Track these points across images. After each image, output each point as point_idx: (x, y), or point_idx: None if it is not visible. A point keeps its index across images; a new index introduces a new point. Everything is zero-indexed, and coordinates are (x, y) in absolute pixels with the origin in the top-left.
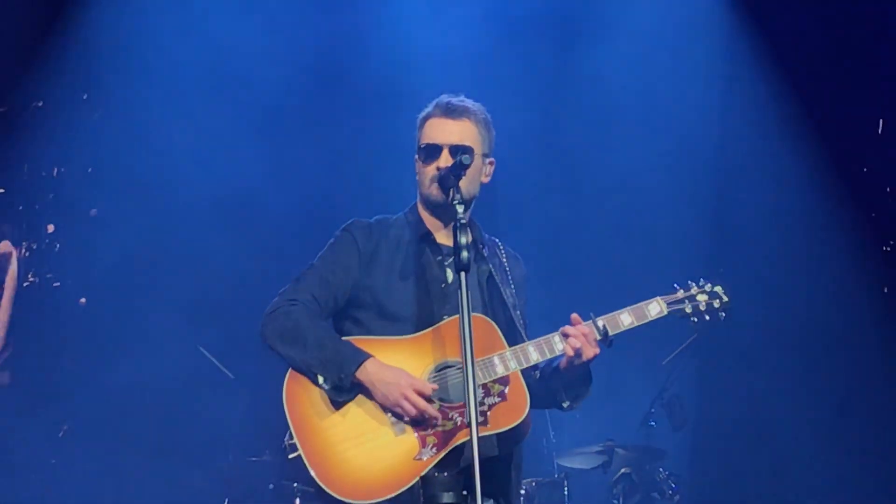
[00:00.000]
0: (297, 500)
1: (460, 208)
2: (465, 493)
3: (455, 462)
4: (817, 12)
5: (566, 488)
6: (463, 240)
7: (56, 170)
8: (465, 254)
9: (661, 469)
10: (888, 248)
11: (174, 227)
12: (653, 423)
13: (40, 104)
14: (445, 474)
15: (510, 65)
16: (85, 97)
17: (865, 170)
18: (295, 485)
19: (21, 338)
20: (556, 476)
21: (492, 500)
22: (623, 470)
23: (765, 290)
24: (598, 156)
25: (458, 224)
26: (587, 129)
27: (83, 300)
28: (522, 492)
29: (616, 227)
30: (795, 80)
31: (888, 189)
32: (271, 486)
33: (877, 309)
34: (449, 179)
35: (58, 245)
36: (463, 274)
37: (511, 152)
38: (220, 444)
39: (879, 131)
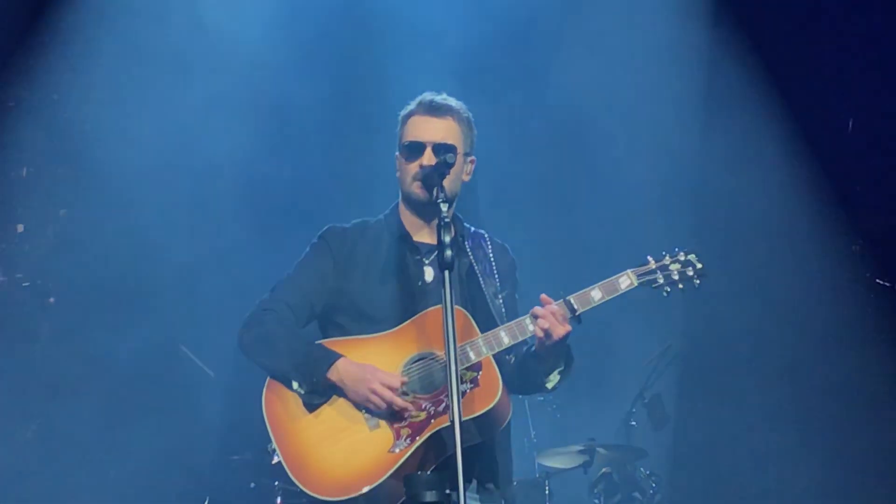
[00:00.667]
0: (279, 499)
1: (444, 206)
2: (448, 491)
3: (432, 453)
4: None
5: (547, 488)
6: (447, 238)
7: (25, 170)
8: (448, 252)
9: (641, 468)
10: (856, 248)
11: (146, 227)
12: (633, 423)
13: (11, 104)
14: (428, 473)
15: (494, 57)
16: (56, 97)
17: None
18: (276, 483)
19: None
20: (536, 475)
21: (477, 494)
22: (604, 469)
23: (745, 287)
24: (582, 143)
25: (442, 222)
26: (569, 121)
27: (52, 300)
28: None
29: (600, 215)
30: (776, 76)
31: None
32: (253, 484)
33: (857, 305)
34: (433, 178)
35: (27, 245)
36: (447, 273)
37: (494, 143)
38: (201, 443)
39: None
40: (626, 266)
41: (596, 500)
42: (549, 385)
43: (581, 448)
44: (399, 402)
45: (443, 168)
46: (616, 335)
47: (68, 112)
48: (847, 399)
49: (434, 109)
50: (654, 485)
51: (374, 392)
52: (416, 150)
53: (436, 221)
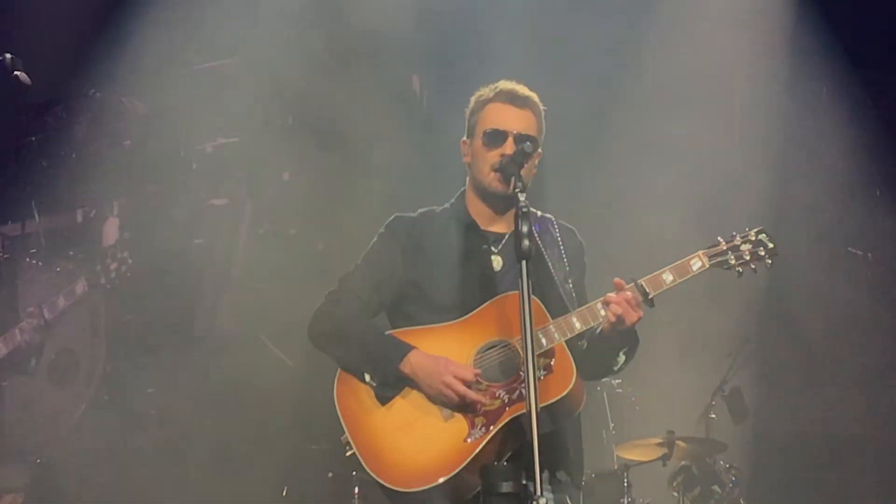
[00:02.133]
0: (356, 489)
1: (522, 196)
2: (524, 482)
3: (507, 442)
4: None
5: (626, 480)
6: (525, 228)
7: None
8: (526, 242)
9: (721, 461)
10: None
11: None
12: (713, 416)
13: None
14: (505, 463)
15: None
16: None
17: None
18: (354, 473)
19: None
20: (615, 468)
21: (549, 486)
22: (683, 462)
23: (826, 279)
24: (651, 126)
25: (521, 212)
26: (641, 104)
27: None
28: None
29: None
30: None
31: None
32: (330, 474)
33: None
34: (511, 167)
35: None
36: (524, 263)
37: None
38: (279, 433)
39: None
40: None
41: (675, 493)
42: (616, 367)
43: (660, 441)
44: (472, 395)
45: (521, 157)
46: (695, 329)
47: None
48: None
49: (515, 99)
50: (734, 478)
51: (448, 385)
52: (497, 138)
53: (506, 212)
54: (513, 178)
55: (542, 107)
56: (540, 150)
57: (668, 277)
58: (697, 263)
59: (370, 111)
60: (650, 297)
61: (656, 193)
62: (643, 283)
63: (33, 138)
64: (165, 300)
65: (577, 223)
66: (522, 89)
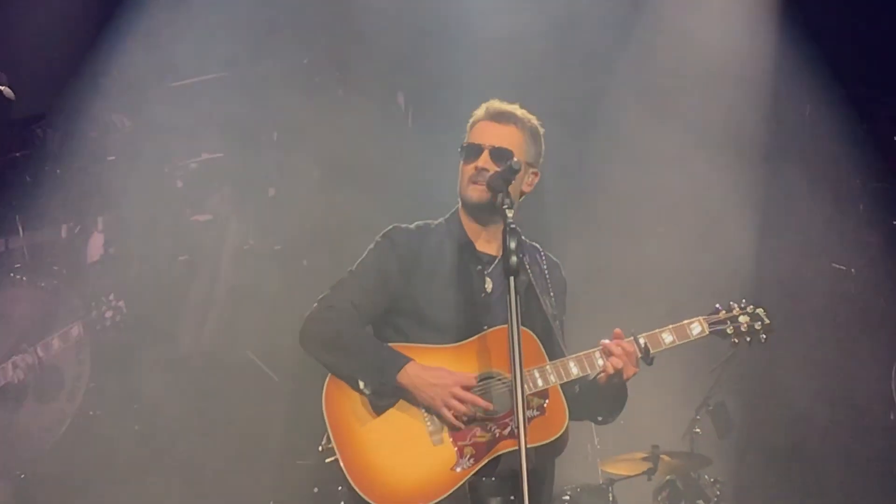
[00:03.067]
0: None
1: (510, 213)
2: (512, 497)
3: (491, 473)
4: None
5: (611, 495)
6: (512, 244)
7: None
8: (514, 258)
9: (705, 476)
10: None
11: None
12: (698, 430)
13: None
14: (493, 479)
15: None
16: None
17: None
18: (340, 488)
19: None
20: (600, 482)
21: None
22: (668, 477)
23: (810, 294)
24: (638, 155)
25: (508, 228)
26: (624, 130)
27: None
28: (566, 498)
29: (652, 229)
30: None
31: None
32: (316, 489)
33: None
34: (497, 183)
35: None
36: (512, 279)
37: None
38: (265, 448)
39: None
40: (683, 280)
41: None
42: (601, 419)
43: (645, 455)
44: (482, 402)
45: (508, 174)
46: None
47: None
48: None
49: (497, 115)
50: (718, 493)
51: (455, 396)
52: (473, 152)
53: (492, 227)
54: (500, 194)
55: (531, 124)
56: (536, 170)
57: (667, 338)
58: (697, 328)
59: (355, 127)
60: (651, 355)
61: (640, 212)
62: (645, 342)
63: (18, 154)
64: (151, 316)
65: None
66: (508, 106)
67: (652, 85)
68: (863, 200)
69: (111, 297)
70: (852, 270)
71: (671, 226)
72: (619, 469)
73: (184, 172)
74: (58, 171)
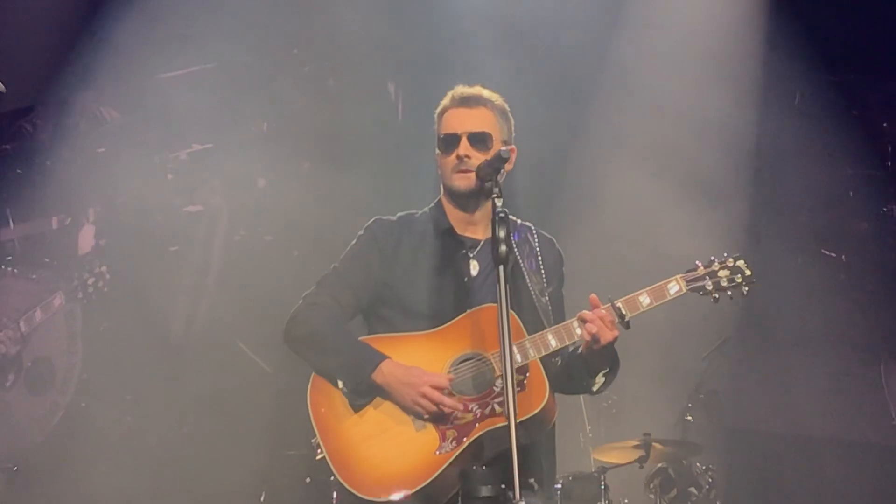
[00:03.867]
0: (335, 494)
1: (499, 201)
2: (502, 486)
3: (478, 456)
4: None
5: (603, 483)
6: (502, 233)
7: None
8: (503, 247)
9: (697, 463)
10: None
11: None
12: (689, 418)
13: None
14: (484, 467)
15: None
16: None
17: None
18: (332, 478)
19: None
20: (592, 470)
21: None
22: (660, 464)
23: (800, 281)
24: (626, 147)
25: (498, 217)
26: (613, 121)
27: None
28: (558, 486)
29: (642, 219)
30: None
31: None
32: (308, 479)
33: None
34: (488, 172)
35: None
36: (502, 268)
37: (531, 136)
38: (257, 438)
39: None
40: (675, 261)
41: (651, 495)
42: (595, 388)
43: (637, 443)
44: (449, 402)
45: (497, 163)
46: (671, 331)
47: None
48: None
49: (466, 101)
50: (710, 480)
51: (425, 395)
52: (451, 141)
53: (478, 213)
54: (489, 183)
55: (498, 102)
56: (513, 145)
57: (644, 300)
58: (675, 287)
59: (345, 117)
60: (626, 319)
61: (631, 199)
62: (620, 305)
63: (8, 146)
64: (142, 307)
65: (552, 231)
66: (474, 90)
67: (641, 74)
68: (853, 187)
69: (95, 263)
70: (842, 258)
71: (660, 214)
72: (610, 457)
73: (174, 164)
74: (48, 163)
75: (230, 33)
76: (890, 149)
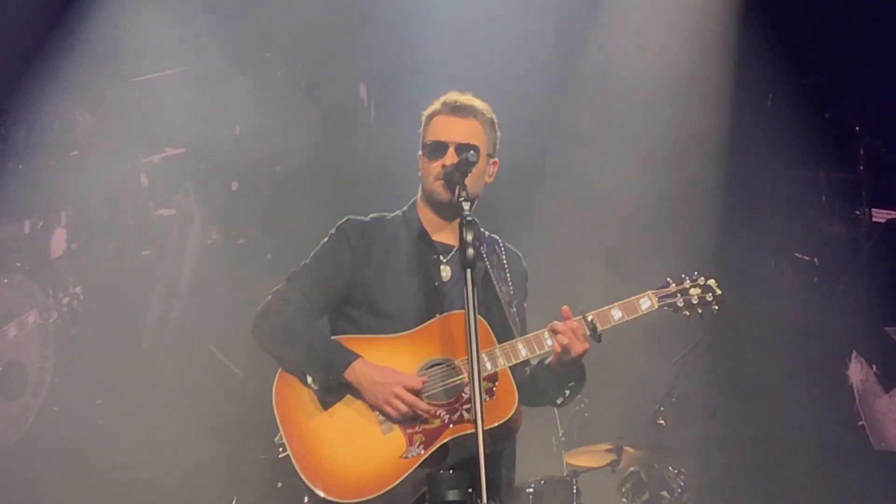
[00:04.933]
0: (306, 499)
1: (466, 205)
2: (469, 490)
3: (444, 461)
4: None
5: (575, 487)
6: (469, 236)
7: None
8: (470, 251)
9: (669, 467)
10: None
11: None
12: (661, 422)
13: None
14: (451, 472)
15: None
16: None
17: None
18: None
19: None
20: (564, 474)
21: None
22: (632, 468)
23: (773, 284)
24: (598, 148)
25: (465, 221)
26: (587, 122)
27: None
28: (530, 490)
29: (615, 222)
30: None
31: None
32: (280, 484)
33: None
34: (455, 177)
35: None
36: (469, 271)
37: (510, 146)
38: (228, 443)
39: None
40: (645, 270)
41: (624, 499)
42: (559, 401)
43: (609, 447)
44: (423, 405)
45: (465, 167)
46: (643, 334)
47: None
48: None
49: (457, 110)
50: (682, 484)
51: (397, 396)
52: (438, 149)
53: (455, 221)
54: (457, 188)
55: (489, 115)
56: (496, 159)
57: (616, 314)
58: (647, 303)
59: (317, 119)
60: (598, 332)
61: (601, 206)
62: (593, 318)
63: None
64: (114, 311)
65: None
66: (467, 99)
67: (612, 76)
68: (825, 191)
69: (69, 283)
70: (815, 260)
71: (633, 218)
72: (583, 461)
73: (147, 167)
74: (20, 166)
75: (203, 37)
76: (862, 152)
